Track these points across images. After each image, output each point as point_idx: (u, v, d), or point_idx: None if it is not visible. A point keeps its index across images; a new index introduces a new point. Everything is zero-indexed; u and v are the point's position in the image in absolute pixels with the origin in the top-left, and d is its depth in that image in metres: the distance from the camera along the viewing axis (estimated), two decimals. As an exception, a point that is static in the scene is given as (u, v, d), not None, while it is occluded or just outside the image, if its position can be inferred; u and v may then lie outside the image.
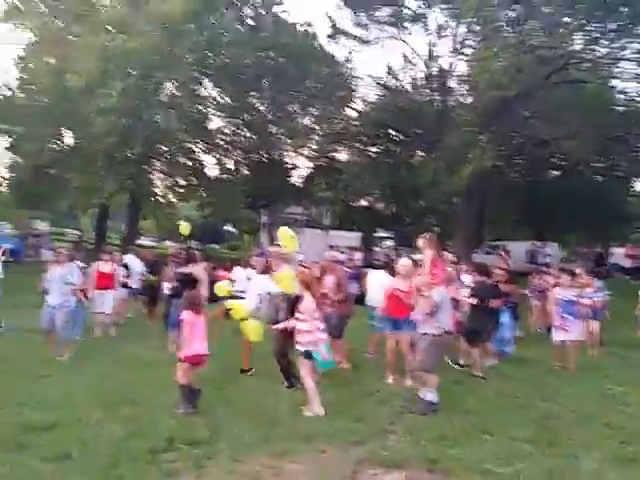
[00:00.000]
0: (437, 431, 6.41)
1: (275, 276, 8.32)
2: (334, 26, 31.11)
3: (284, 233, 8.72)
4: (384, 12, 29.75)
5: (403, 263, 8.96)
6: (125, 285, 13.63)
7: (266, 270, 9.09)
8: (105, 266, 12.47)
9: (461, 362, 9.88)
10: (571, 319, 10.12)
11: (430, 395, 7.24)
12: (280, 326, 7.71)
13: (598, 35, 24.13)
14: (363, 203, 38.94)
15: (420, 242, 7.88)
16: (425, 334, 7.38)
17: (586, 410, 7.57)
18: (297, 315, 7.25)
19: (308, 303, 7.17)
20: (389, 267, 10.27)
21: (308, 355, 7.08)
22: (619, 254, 34.79)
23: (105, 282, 12.24)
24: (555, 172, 35.69)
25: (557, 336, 10.24)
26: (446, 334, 7.51)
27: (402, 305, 8.60)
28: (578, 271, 11.89)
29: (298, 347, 7.24)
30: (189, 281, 8.35)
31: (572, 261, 27.48)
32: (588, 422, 7.09)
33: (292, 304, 7.59)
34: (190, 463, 5.41)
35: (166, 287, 11.25)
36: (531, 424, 6.83)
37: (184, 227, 14.93)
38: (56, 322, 10.01)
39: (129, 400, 7.28)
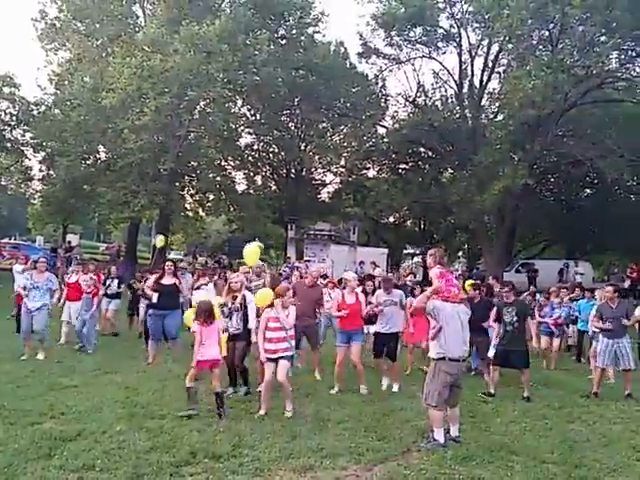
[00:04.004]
0: (462, 451, 6.29)
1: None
2: (365, 44, 31.06)
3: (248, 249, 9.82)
4: (417, 32, 29.57)
5: (348, 277, 9.53)
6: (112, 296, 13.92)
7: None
8: (72, 277, 12.87)
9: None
10: None
11: (436, 434, 6.51)
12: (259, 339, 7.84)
13: (634, 54, 24.21)
14: (391, 220, 39.28)
15: (428, 259, 7.15)
16: (431, 359, 6.71)
17: (614, 433, 7.44)
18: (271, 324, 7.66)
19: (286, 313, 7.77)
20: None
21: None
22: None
23: (71, 293, 12.51)
24: (589, 191, 35.11)
25: None
26: (453, 361, 6.54)
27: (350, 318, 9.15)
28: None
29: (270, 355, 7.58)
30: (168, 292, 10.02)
31: (604, 281, 26.91)
32: (615, 445, 6.93)
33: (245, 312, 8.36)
34: (212, 477, 5.40)
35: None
36: (558, 446, 6.70)
37: (160, 240, 15.21)
38: (35, 325, 10.69)
39: (154, 413, 7.32)
